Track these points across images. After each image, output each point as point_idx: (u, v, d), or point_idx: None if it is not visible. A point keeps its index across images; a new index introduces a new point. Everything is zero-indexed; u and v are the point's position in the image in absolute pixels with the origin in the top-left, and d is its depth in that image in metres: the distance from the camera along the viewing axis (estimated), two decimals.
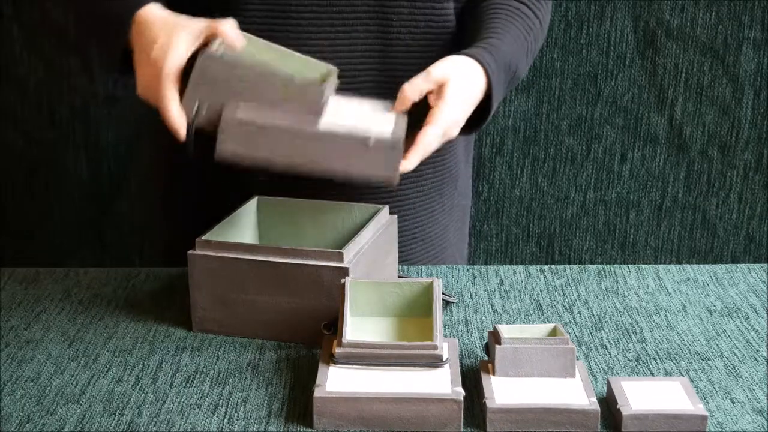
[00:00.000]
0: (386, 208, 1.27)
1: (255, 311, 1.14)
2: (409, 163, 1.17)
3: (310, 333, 1.11)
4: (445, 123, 1.18)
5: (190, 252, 1.15)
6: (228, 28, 1.15)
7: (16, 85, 1.91)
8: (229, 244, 1.15)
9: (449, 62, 1.20)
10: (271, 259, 1.12)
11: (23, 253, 2.01)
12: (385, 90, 1.32)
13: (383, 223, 1.25)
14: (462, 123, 1.21)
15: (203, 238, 1.16)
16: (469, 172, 1.55)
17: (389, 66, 1.32)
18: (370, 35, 1.30)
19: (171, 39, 1.14)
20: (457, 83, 1.18)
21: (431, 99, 1.19)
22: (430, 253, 1.44)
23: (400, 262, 1.37)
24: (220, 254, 1.14)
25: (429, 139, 1.17)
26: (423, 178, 1.40)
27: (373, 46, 1.30)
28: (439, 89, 1.18)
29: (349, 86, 1.30)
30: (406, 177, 1.37)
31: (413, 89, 1.18)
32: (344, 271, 1.10)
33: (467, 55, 1.22)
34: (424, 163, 1.38)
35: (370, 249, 1.19)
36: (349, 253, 1.13)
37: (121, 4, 1.21)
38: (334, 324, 1.08)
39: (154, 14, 1.19)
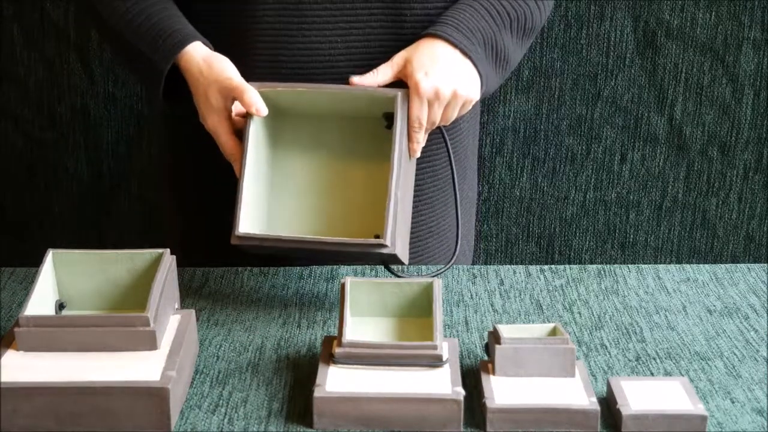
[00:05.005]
0: None
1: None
2: (415, 144, 1.23)
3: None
4: (424, 92, 1.22)
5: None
6: (252, 97, 1.20)
7: (16, 85, 1.91)
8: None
9: (407, 49, 1.26)
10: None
11: (23, 253, 2.01)
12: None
13: None
14: (450, 83, 1.24)
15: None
16: (476, 164, 1.55)
17: None
18: (384, 31, 1.29)
19: (209, 122, 1.23)
20: (419, 59, 1.24)
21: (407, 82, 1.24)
22: (444, 246, 1.44)
23: (416, 259, 1.37)
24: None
25: (414, 113, 1.22)
26: (439, 172, 1.39)
27: (387, 42, 1.30)
28: (405, 69, 1.24)
29: None
30: (422, 172, 1.37)
31: (379, 74, 1.25)
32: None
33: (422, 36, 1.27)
34: (439, 157, 1.38)
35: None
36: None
37: (155, 52, 1.25)
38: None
39: (189, 64, 1.24)
